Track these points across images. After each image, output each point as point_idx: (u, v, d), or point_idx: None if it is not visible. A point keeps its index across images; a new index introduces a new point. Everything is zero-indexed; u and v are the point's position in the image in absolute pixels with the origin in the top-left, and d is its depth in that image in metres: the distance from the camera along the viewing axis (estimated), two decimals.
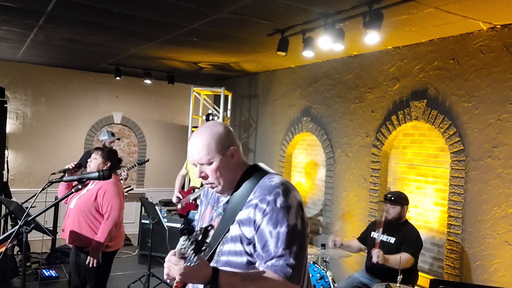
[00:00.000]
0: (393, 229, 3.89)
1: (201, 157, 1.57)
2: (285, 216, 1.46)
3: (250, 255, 1.50)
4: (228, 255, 1.53)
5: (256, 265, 1.50)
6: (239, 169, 1.62)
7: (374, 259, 3.57)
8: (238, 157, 1.61)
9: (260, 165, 1.67)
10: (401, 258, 3.54)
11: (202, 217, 1.78)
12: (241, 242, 1.51)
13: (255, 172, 1.61)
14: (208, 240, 1.36)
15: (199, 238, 1.33)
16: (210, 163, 1.57)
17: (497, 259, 3.59)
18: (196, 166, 1.61)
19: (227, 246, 1.54)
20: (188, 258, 1.33)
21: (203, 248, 1.34)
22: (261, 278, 1.43)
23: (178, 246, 1.38)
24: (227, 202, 1.62)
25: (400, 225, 3.90)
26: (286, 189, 1.51)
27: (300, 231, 1.48)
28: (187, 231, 1.43)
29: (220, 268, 1.44)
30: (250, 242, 1.49)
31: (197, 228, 1.54)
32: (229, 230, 1.54)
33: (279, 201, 1.47)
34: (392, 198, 3.90)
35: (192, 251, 1.32)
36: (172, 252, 1.40)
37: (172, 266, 1.37)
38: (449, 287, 3.32)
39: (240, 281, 1.43)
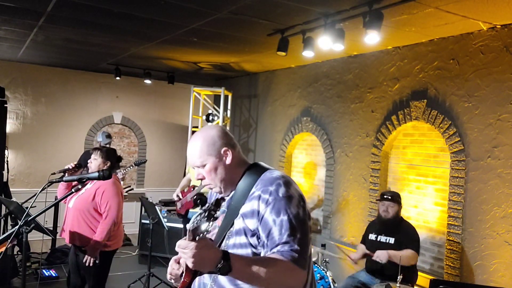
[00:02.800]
0: (391, 229, 3.89)
1: (195, 160, 1.65)
2: (288, 204, 1.51)
3: (254, 246, 1.54)
4: (233, 248, 1.56)
5: (262, 254, 1.54)
6: (237, 168, 1.67)
7: (383, 260, 3.60)
8: (234, 157, 1.66)
9: (260, 164, 1.72)
10: (406, 255, 3.59)
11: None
12: (245, 235, 1.55)
13: (256, 169, 1.67)
14: (218, 210, 1.42)
15: (212, 207, 1.41)
16: (203, 165, 1.64)
17: (497, 259, 3.59)
18: (195, 169, 1.68)
19: (232, 240, 1.57)
20: (202, 226, 1.37)
21: (216, 215, 1.41)
22: (271, 260, 1.45)
23: (189, 225, 1.42)
24: (231, 198, 1.67)
25: (397, 225, 3.91)
26: (287, 181, 1.59)
27: (302, 219, 1.52)
28: (200, 201, 1.56)
29: (231, 253, 1.43)
30: (254, 233, 1.53)
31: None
32: (233, 224, 1.59)
33: (281, 191, 1.53)
34: (391, 197, 3.93)
35: (205, 218, 1.39)
36: (181, 240, 1.40)
37: (183, 250, 1.34)
38: (449, 287, 3.32)
39: (251, 263, 1.43)
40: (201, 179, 1.68)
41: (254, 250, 1.54)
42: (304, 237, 1.51)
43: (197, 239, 1.35)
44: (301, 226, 1.51)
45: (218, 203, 1.45)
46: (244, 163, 1.70)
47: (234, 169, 1.66)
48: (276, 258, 1.45)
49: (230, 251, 1.50)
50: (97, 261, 3.47)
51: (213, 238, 1.63)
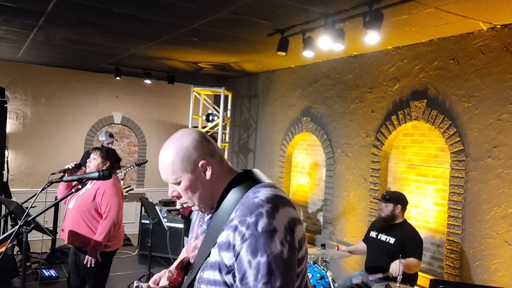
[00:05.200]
0: (392, 229, 3.89)
1: (168, 177, 1.38)
2: (268, 242, 1.22)
3: (229, 286, 1.29)
4: (207, 284, 1.33)
5: None
6: (219, 182, 1.40)
7: (393, 272, 3.52)
8: (214, 170, 1.39)
9: (252, 172, 1.43)
10: (410, 265, 3.62)
11: (193, 229, 1.60)
12: (220, 271, 1.30)
13: (243, 183, 1.38)
14: None
15: None
16: (178, 183, 1.38)
17: (497, 259, 3.59)
18: (169, 185, 1.42)
19: (206, 273, 1.34)
20: None
21: None
22: None
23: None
24: (210, 218, 1.42)
25: (399, 225, 3.91)
26: (272, 207, 1.27)
27: (286, 260, 1.24)
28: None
29: None
30: (230, 270, 1.28)
31: (189, 241, 1.38)
32: (210, 254, 1.34)
33: (261, 224, 1.23)
34: (386, 197, 3.94)
35: None
36: None
37: None
38: (449, 287, 3.32)
39: None
40: (177, 197, 1.41)
41: None
42: (286, 283, 1.23)
43: None
44: (283, 270, 1.23)
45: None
46: (229, 173, 1.42)
47: (215, 184, 1.39)
48: None
49: (203, 287, 1.35)
50: (98, 261, 3.47)
51: (192, 260, 1.46)
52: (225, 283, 1.29)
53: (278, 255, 1.23)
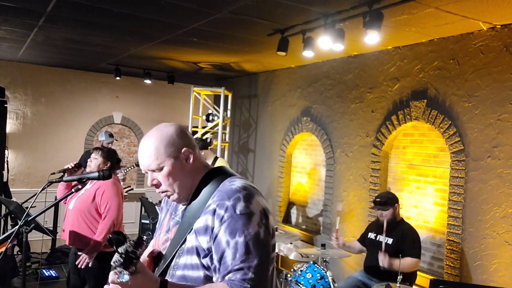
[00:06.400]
0: (390, 230, 3.89)
1: (150, 163, 1.42)
2: (246, 224, 1.30)
3: (207, 268, 1.35)
4: (184, 269, 1.38)
5: (214, 279, 1.35)
6: (197, 173, 1.47)
7: (380, 263, 3.59)
8: (195, 160, 1.46)
9: (223, 168, 1.52)
10: (407, 264, 3.61)
11: (161, 226, 1.64)
12: (198, 254, 1.36)
13: (216, 176, 1.46)
14: (139, 253, 1.22)
15: (130, 249, 1.18)
16: (160, 169, 1.42)
17: (497, 259, 3.59)
18: (148, 174, 1.46)
19: (182, 259, 1.39)
20: (120, 274, 1.19)
21: (134, 261, 1.20)
22: None
23: (113, 259, 1.23)
24: (185, 209, 1.48)
25: (396, 225, 3.91)
26: (249, 194, 1.36)
27: (262, 241, 1.32)
28: (115, 241, 1.23)
29: (170, 282, 1.32)
30: (207, 253, 1.34)
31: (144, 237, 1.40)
32: (185, 240, 1.40)
33: (239, 207, 1.32)
34: (382, 201, 3.89)
35: (122, 265, 1.18)
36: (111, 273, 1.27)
37: (113, 285, 1.26)
38: (449, 287, 3.32)
39: None
40: (156, 185, 1.45)
41: (207, 272, 1.36)
42: (262, 262, 1.30)
43: (133, 270, 1.21)
44: (260, 250, 1.30)
45: (139, 242, 1.19)
46: (204, 168, 1.50)
47: (193, 174, 1.46)
48: None
49: (180, 272, 1.39)
50: (89, 264, 3.44)
51: (164, 252, 1.48)
52: (203, 265, 1.35)
53: (256, 235, 1.31)
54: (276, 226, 4.13)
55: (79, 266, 3.44)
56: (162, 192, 1.46)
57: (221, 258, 1.31)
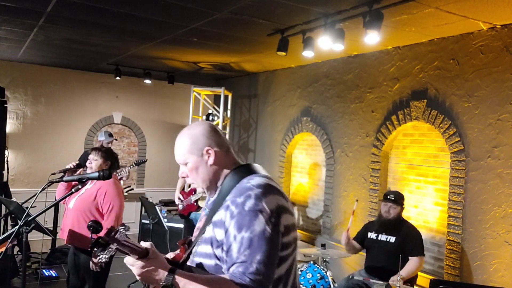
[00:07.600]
0: (392, 228, 3.90)
1: (179, 158, 1.61)
2: (252, 220, 1.39)
3: (219, 258, 1.46)
4: (201, 257, 1.51)
5: (223, 269, 1.45)
6: (221, 169, 1.58)
7: (397, 284, 3.45)
8: (218, 157, 1.57)
9: (251, 166, 1.61)
10: (414, 267, 3.65)
11: (201, 218, 1.78)
12: (212, 245, 1.47)
13: (240, 173, 1.56)
14: (110, 239, 1.31)
15: (106, 236, 1.30)
16: (185, 164, 1.59)
17: (497, 259, 3.59)
18: (180, 166, 1.65)
19: (200, 248, 1.53)
20: (98, 256, 1.31)
21: (110, 247, 1.30)
22: (218, 281, 1.39)
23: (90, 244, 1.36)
24: (212, 202, 1.60)
25: (398, 224, 3.92)
26: (262, 192, 1.44)
27: (269, 238, 1.38)
28: (93, 228, 1.34)
29: (178, 270, 1.40)
30: (219, 245, 1.45)
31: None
32: (205, 231, 1.52)
33: (248, 204, 1.41)
34: (396, 198, 3.92)
35: (98, 249, 1.31)
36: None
37: (131, 267, 1.39)
38: (449, 287, 3.32)
39: (195, 282, 1.38)
40: (184, 177, 1.63)
41: (218, 262, 1.46)
42: (267, 258, 1.37)
43: (148, 255, 1.37)
44: (264, 246, 1.37)
45: (109, 232, 1.29)
46: (232, 164, 1.60)
47: (218, 170, 1.58)
48: (224, 280, 1.38)
49: (197, 259, 1.53)
50: (103, 266, 3.44)
51: (193, 239, 1.60)
52: (215, 255, 1.46)
53: (261, 232, 1.38)
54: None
55: (94, 270, 3.41)
56: (190, 183, 1.65)
57: (228, 251, 1.41)
